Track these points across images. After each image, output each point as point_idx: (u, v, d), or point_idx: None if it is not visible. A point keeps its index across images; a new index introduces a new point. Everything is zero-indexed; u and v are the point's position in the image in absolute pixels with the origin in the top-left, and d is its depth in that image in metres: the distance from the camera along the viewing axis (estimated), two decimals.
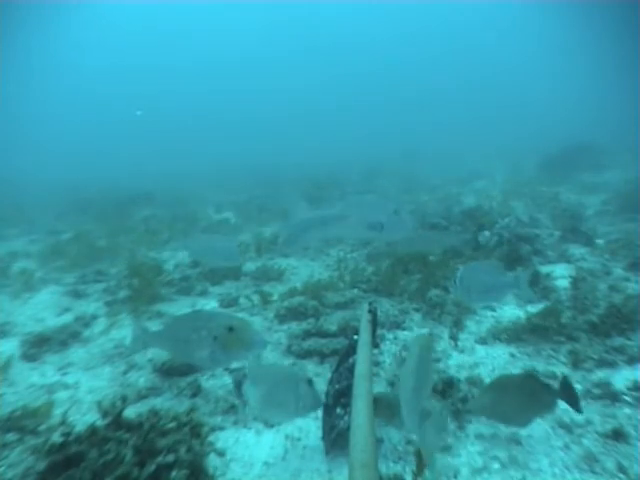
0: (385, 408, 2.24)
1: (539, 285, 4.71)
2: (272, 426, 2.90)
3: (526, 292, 3.08)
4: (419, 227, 6.90)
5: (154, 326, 4.41)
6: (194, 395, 3.26)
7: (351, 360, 2.73)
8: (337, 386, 2.71)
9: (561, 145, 14.10)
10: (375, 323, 2.92)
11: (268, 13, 68.47)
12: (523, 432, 2.65)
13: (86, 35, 60.27)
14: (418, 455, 2.13)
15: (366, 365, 2.10)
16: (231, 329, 2.03)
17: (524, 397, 2.27)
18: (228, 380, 3.40)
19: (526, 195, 10.37)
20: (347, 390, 2.58)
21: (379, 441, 2.63)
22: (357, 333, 2.79)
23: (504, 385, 2.33)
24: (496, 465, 2.41)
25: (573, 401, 2.31)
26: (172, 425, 2.07)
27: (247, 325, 2.11)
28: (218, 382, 3.42)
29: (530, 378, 2.37)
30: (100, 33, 64.61)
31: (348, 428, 1.80)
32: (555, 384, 2.45)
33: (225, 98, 74.96)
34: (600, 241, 6.22)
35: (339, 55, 72.68)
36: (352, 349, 2.77)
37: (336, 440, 2.54)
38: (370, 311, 2.92)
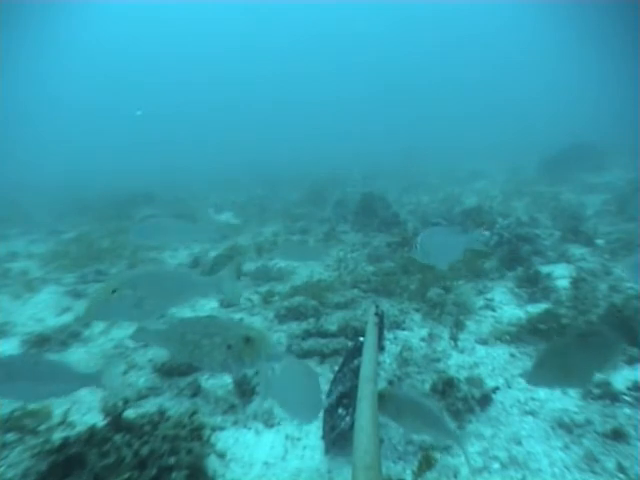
0: (390, 404, 2.23)
1: (539, 285, 4.71)
2: (272, 426, 2.90)
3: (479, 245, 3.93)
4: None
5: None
6: (194, 395, 3.26)
7: (356, 362, 2.72)
8: (340, 387, 2.71)
9: (561, 145, 14.10)
10: (381, 326, 2.91)
11: (269, 10, 68.51)
12: (523, 432, 2.66)
13: (86, 35, 60.25)
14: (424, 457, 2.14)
15: (371, 367, 2.09)
16: (248, 340, 2.02)
17: (581, 355, 2.15)
18: (228, 380, 3.40)
19: (526, 195, 10.37)
20: (350, 391, 2.58)
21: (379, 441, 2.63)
22: (362, 335, 2.77)
23: (556, 350, 2.21)
24: (496, 465, 2.41)
25: (632, 337, 2.22)
26: (174, 429, 2.07)
27: (264, 337, 2.10)
28: (218, 382, 3.42)
29: (583, 334, 2.25)
30: (99, 33, 64.59)
31: (350, 429, 1.80)
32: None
33: (225, 98, 74.96)
34: (600, 241, 6.22)
35: (339, 55, 72.72)
36: (357, 351, 2.77)
37: (336, 440, 2.54)
38: (377, 314, 2.90)
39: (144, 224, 3.91)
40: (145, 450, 1.92)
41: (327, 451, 2.58)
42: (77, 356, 4.06)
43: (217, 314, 4.90)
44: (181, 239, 4.33)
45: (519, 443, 2.57)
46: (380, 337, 2.81)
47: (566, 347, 2.19)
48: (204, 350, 2.03)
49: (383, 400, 2.09)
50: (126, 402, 2.20)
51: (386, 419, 2.31)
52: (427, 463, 2.37)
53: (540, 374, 2.21)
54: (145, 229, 3.71)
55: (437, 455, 2.47)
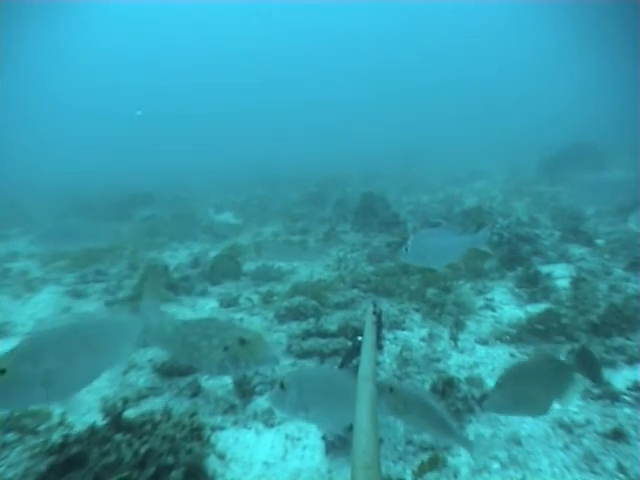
0: (398, 399, 2.22)
1: (539, 285, 4.71)
2: (272, 426, 2.90)
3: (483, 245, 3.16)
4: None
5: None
6: (194, 395, 3.27)
7: (355, 362, 2.72)
8: None
9: (561, 145, 14.10)
10: (380, 325, 2.91)
11: (269, 11, 68.58)
12: (523, 432, 2.66)
13: (86, 35, 60.27)
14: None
15: (370, 366, 2.09)
16: (243, 342, 2.03)
17: (541, 382, 2.16)
18: (228, 380, 3.40)
19: (526, 195, 10.37)
20: None
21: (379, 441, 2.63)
22: (361, 334, 2.77)
23: (516, 376, 2.20)
24: (496, 465, 2.41)
25: (593, 372, 2.22)
26: (174, 429, 2.07)
27: (261, 340, 2.11)
28: (218, 382, 3.42)
29: (542, 361, 2.27)
30: (99, 33, 64.60)
31: (350, 428, 1.80)
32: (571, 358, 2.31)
33: (225, 99, 74.98)
34: (600, 241, 6.22)
35: (339, 56, 72.74)
36: (356, 350, 2.77)
37: (336, 440, 2.54)
38: (375, 313, 2.90)
39: (49, 229, 3.86)
40: (145, 449, 1.92)
41: (327, 451, 2.58)
42: None
43: (217, 314, 4.91)
44: (88, 241, 4.37)
45: (519, 443, 2.57)
46: (379, 336, 2.81)
47: (524, 375, 2.19)
48: (202, 352, 2.04)
49: (391, 394, 2.09)
50: (126, 402, 2.19)
51: (387, 416, 2.30)
52: (433, 464, 2.36)
53: (496, 401, 2.20)
54: (50, 234, 3.64)
55: (441, 454, 2.47)
